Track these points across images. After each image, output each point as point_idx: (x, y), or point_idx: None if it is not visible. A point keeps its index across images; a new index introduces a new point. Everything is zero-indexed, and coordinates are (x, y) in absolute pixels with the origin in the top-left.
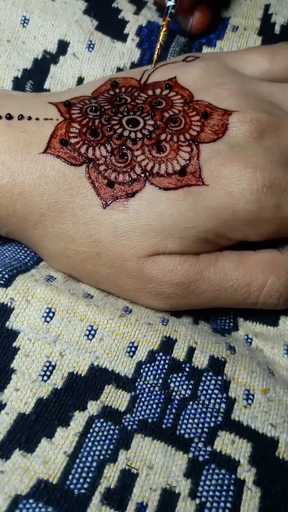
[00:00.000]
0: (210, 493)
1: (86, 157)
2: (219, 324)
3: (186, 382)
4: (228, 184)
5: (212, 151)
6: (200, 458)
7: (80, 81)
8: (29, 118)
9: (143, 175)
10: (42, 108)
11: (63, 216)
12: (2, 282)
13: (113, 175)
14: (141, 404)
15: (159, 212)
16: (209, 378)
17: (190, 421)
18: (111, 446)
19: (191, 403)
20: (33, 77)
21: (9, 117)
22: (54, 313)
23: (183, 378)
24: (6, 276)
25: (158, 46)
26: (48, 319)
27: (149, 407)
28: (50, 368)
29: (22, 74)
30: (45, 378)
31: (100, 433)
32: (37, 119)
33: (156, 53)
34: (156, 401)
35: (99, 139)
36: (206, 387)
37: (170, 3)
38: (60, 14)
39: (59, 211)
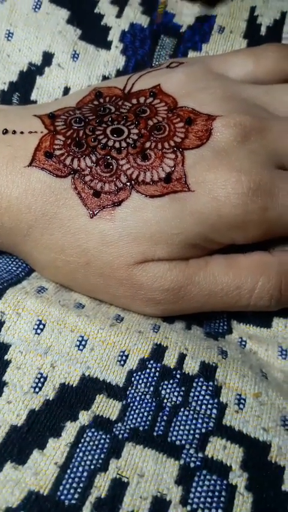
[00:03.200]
0: (202, 499)
1: (71, 169)
2: (213, 327)
3: (178, 388)
4: (214, 189)
5: (196, 157)
6: (192, 465)
7: (66, 91)
8: (14, 132)
9: (128, 183)
10: (26, 121)
11: (51, 227)
12: None
13: (99, 185)
14: (132, 412)
15: (145, 220)
16: (200, 383)
17: (181, 427)
18: (102, 456)
19: (182, 409)
20: (20, 89)
21: None
22: (44, 325)
23: (174, 385)
24: None
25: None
26: (38, 331)
27: (140, 415)
28: (42, 379)
29: (8, 87)
30: (36, 389)
31: (91, 443)
32: (22, 132)
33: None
34: (147, 409)
35: (84, 150)
36: (197, 393)
37: None
38: (44, 26)
39: (46, 222)
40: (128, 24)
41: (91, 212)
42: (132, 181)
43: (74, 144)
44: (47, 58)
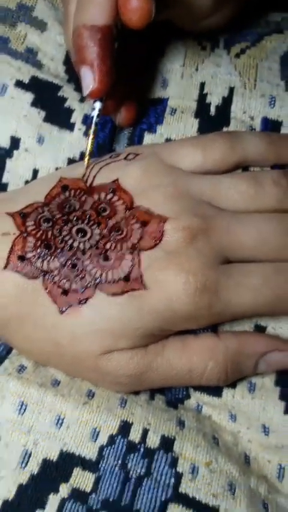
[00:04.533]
0: None
1: (41, 270)
2: (174, 393)
3: (142, 460)
4: (166, 288)
5: (150, 258)
6: None
7: (36, 173)
8: None
9: (92, 282)
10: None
11: (26, 323)
12: None
13: (67, 285)
14: (104, 484)
15: (109, 317)
16: (160, 455)
17: (144, 496)
18: None
19: (145, 479)
20: None
21: None
22: (26, 406)
23: (139, 458)
24: None
25: (87, 154)
26: (21, 411)
27: (111, 486)
28: (27, 456)
29: None
30: (23, 465)
31: None
32: None
33: (86, 160)
34: (116, 480)
35: (53, 252)
36: (158, 464)
37: (94, 113)
38: (10, 110)
39: (21, 319)
40: (90, 108)
41: (61, 309)
42: (96, 281)
43: (43, 246)
44: (15, 142)
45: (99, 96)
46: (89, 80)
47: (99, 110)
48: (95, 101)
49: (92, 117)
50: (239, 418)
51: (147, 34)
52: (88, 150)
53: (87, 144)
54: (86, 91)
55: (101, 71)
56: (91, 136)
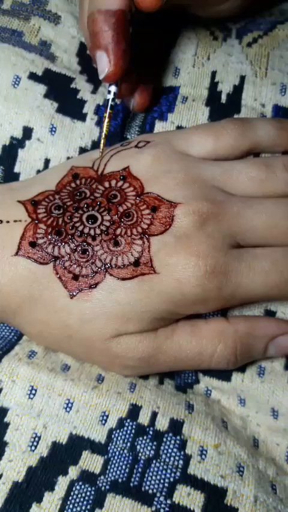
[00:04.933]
0: None
1: (52, 256)
2: (183, 378)
3: (150, 443)
4: (176, 272)
5: (160, 243)
6: (161, 511)
7: (47, 162)
8: (0, 222)
9: (103, 267)
10: (11, 209)
11: (37, 307)
12: None
13: (77, 270)
14: (112, 466)
15: (118, 300)
16: (169, 438)
17: (153, 477)
18: (88, 507)
19: (154, 461)
20: (4, 163)
21: None
22: (36, 390)
23: (148, 440)
24: None
25: (103, 137)
26: (31, 396)
27: (119, 468)
28: (36, 439)
29: None
30: (33, 448)
31: (79, 495)
32: (7, 221)
33: (102, 142)
34: (125, 462)
35: (63, 238)
36: (166, 447)
37: (109, 96)
38: (23, 101)
39: (33, 303)
40: (102, 99)
41: (71, 293)
42: (106, 266)
43: (54, 233)
44: (27, 132)
45: (115, 79)
46: (105, 63)
47: (114, 94)
48: (110, 85)
49: (108, 100)
50: (248, 402)
51: (160, 20)
52: (104, 132)
53: (103, 127)
54: (102, 75)
55: (116, 55)
56: (106, 120)
